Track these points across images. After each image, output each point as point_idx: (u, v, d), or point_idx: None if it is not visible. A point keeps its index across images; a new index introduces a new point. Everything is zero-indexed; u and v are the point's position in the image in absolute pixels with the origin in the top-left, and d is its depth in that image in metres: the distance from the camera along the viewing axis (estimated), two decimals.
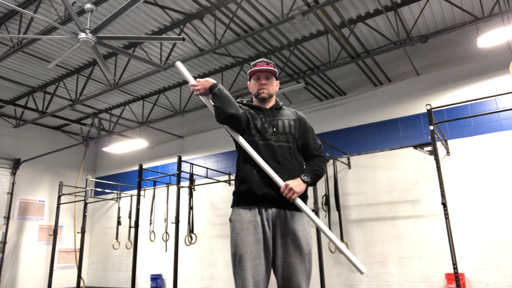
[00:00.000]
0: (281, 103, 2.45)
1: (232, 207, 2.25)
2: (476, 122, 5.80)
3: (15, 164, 9.19)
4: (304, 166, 2.33)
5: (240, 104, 2.35)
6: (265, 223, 2.10)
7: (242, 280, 2.01)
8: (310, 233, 2.18)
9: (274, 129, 2.28)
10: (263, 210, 2.12)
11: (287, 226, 2.10)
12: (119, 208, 9.27)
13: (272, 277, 2.12)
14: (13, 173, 9.14)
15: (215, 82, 2.31)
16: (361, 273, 2.05)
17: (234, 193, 2.25)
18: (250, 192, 2.15)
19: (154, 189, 8.53)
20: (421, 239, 5.86)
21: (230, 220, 2.21)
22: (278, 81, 2.49)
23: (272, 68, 2.38)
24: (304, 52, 6.37)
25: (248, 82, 2.47)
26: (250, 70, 2.40)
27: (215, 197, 8.26)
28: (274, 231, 2.11)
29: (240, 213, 2.15)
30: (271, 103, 2.41)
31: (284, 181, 2.11)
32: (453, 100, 5.73)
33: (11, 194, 9.01)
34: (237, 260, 2.06)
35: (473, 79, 5.97)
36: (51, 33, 5.20)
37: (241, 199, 2.19)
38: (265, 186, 2.13)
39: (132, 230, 7.94)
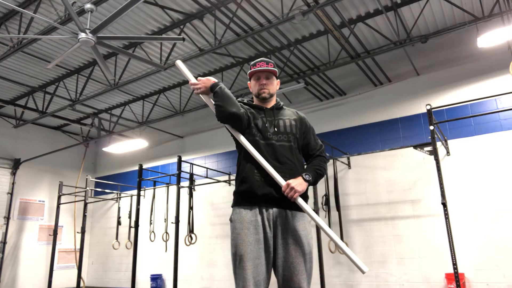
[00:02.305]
0: (281, 103, 2.45)
1: (232, 207, 2.24)
2: (476, 122, 5.80)
3: (15, 164, 9.19)
4: (305, 166, 2.33)
5: (241, 104, 2.34)
6: (266, 223, 2.10)
7: (242, 280, 2.00)
8: (311, 233, 2.17)
9: (276, 129, 2.27)
10: (264, 210, 2.12)
11: (288, 226, 2.10)
12: (119, 208, 9.27)
13: (273, 277, 2.12)
14: (13, 173, 9.14)
15: (216, 80, 2.30)
16: (363, 272, 2.05)
17: (235, 193, 2.25)
18: (251, 191, 2.14)
19: (154, 189, 8.52)
20: (421, 239, 5.86)
21: (231, 220, 2.21)
22: (278, 80, 2.49)
23: (272, 68, 2.37)
24: (304, 52, 6.37)
25: (248, 82, 2.46)
26: (250, 71, 2.40)
27: (215, 197, 8.26)
28: (274, 231, 2.11)
29: (240, 213, 2.15)
30: (272, 102, 2.41)
31: (286, 180, 2.10)
32: (453, 100, 5.73)
33: (11, 194, 9.00)
34: (238, 260, 2.05)
35: (473, 79, 5.97)
36: (51, 33, 5.20)
37: (241, 199, 2.19)
38: (266, 186, 2.13)
39: (132, 230, 7.94)
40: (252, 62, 2.41)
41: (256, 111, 2.34)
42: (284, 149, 2.23)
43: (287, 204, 2.12)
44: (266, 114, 2.33)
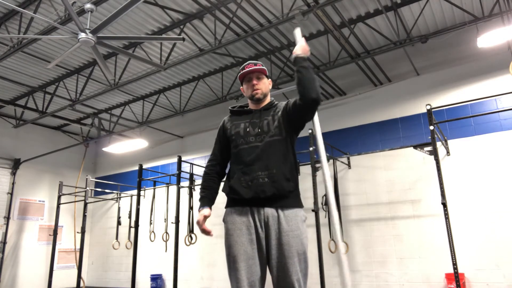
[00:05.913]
0: (275, 102, 2.41)
1: (225, 208, 2.25)
2: (476, 122, 5.80)
3: (15, 164, 9.19)
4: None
5: (224, 120, 2.44)
6: (258, 223, 2.08)
7: (236, 281, 2.00)
8: (305, 233, 2.12)
9: (259, 130, 2.24)
10: (255, 210, 2.11)
11: (280, 226, 2.07)
12: (119, 208, 9.27)
13: (269, 277, 2.12)
14: (13, 173, 9.13)
15: None
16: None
17: (227, 194, 2.26)
18: (240, 198, 2.15)
19: (154, 189, 8.52)
20: (421, 239, 5.86)
21: (224, 220, 2.21)
22: (270, 80, 2.47)
23: (260, 67, 2.35)
24: None
25: (241, 87, 2.43)
26: (239, 74, 2.37)
27: None
28: (267, 231, 2.08)
29: (232, 214, 2.16)
30: (265, 102, 2.39)
31: (268, 178, 2.10)
32: (453, 100, 5.73)
33: (11, 194, 9.00)
34: (231, 261, 2.06)
35: (473, 79, 5.97)
36: (51, 33, 5.20)
37: (233, 200, 2.20)
38: (254, 190, 2.11)
39: (132, 230, 7.93)
40: (241, 67, 2.39)
41: (242, 117, 2.34)
42: (270, 147, 2.19)
43: (278, 204, 2.10)
44: (253, 117, 2.31)
